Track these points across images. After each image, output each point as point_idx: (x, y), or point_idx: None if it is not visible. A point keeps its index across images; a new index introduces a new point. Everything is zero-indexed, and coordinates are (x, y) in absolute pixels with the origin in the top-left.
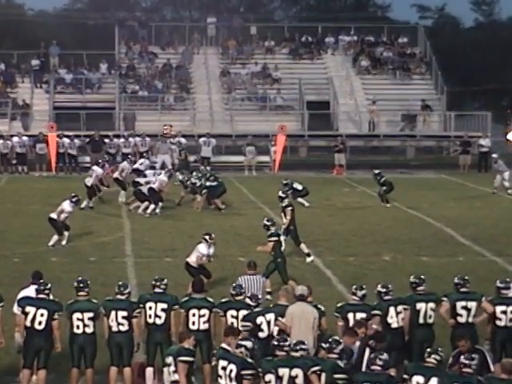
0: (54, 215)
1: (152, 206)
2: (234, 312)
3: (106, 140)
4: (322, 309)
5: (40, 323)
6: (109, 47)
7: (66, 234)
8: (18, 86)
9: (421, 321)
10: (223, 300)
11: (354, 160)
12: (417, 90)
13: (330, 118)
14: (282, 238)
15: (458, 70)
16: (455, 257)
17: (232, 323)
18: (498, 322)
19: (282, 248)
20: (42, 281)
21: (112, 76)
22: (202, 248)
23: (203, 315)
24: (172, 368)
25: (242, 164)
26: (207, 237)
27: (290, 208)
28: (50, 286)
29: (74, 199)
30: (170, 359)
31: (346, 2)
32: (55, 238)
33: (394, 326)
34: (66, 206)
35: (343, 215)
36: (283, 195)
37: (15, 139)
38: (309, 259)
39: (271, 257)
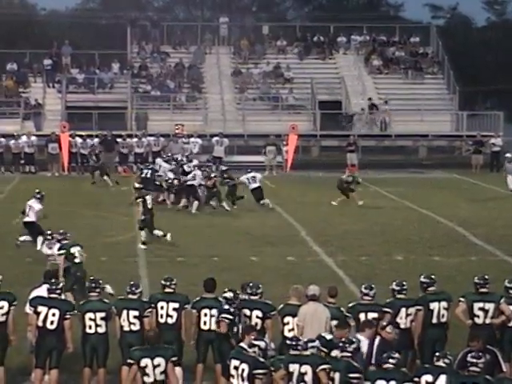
0: (30, 218)
1: (196, 203)
2: (247, 311)
3: (119, 139)
4: (344, 312)
5: (52, 323)
6: (121, 47)
7: (40, 238)
8: (30, 85)
9: (434, 320)
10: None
11: (366, 160)
12: (429, 89)
13: (342, 117)
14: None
15: (470, 69)
16: (467, 257)
17: (245, 322)
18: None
19: None
20: (53, 280)
21: (124, 76)
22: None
23: (215, 315)
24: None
25: (257, 164)
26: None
27: (140, 199)
28: (61, 285)
29: (38, 195)
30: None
31: (358, 1)
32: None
33: (402, 326)
34: (35, 204)
35: (355, 215)
36: (138, 186)
37: (23, 139)
38: (168, 236)
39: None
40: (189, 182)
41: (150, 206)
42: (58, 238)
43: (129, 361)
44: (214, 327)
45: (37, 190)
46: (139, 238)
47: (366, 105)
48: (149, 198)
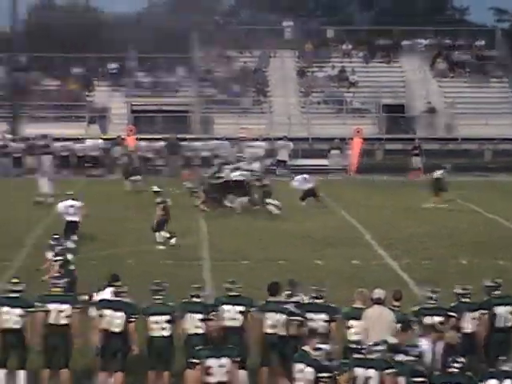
0: (76, 218)
1: (243, 199)
2: (312, 315)
3: (184, 143)
4: (409, 315)
5: (117, 326)
6: (186, 51)
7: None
8: (95, 89)
9: (499, 325)
10: (302, 303)
11: (431, 163)
12: (494, 92)
13: (406, 121)
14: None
15: None
16: None
17: (310, 326)
18: None
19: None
20: (118, 283)
21: (189, 79)
22: None
23: (279, 319)
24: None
25: (321, 167)
26: None
27: (161, 204)
28: (126, 288)
29: (72, 197)
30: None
31: (423, 5)
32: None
33: (466, 330)
34: (77, 203)
35: (420, 218)
36: (157, 189)
37: (89, 142)
38: (172, 241)
39: None
40: (235, 178)
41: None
42: (52, 244)
43: (193, 360)
44: (277, 330)
45: (69, 192)
46: (164, 241)
47: (425, 108)
48: (169, 201)
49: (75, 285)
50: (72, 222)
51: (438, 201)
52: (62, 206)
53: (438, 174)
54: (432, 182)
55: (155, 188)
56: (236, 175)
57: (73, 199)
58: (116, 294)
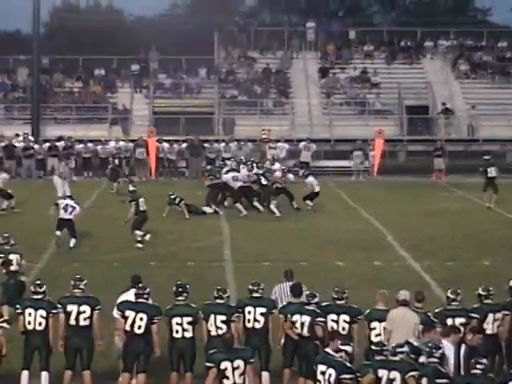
0: (69, 216)
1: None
2: (334, 316)
3: (206, 145)
4: (432, 318)
5: (139, 327)
6: (208, 52)
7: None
8: (117, 91)
9: None
10: (323, 304)
11: (453, 164)
12: None
13: (429, 122)
14: None
15: None
16: None
17: (332, 327)
18: None
19: None
20: (141, 285)
21: (211, 81)
22: None
23: (301, 320)
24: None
25: (343, 169)
26: None
27: (133, 202)
28: (148, 290)
29: (74, 200)
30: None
31: (445, 6)
32: (74, 241)
33: (489, 332)
34: (77, 205)
35: (441, 219)
36: (132, 189)
37: (111, 144)
38: (147, 237)
39: None
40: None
41: (142, 209)
42: (1, 243)
43: (208, 364)
44: (299, 331)
45: (68, 194)
46: (136, 239)
47: (441, 109)
48: (142, 201)
49: (16, 287)
50: (63, 219)
51: (491, 200)
52: (61, 203)
53: (492, 172)
54: (486, 181)
55: (131, 187)
56: (227, 177)
57: (73, 201)
58: (138, 295)
